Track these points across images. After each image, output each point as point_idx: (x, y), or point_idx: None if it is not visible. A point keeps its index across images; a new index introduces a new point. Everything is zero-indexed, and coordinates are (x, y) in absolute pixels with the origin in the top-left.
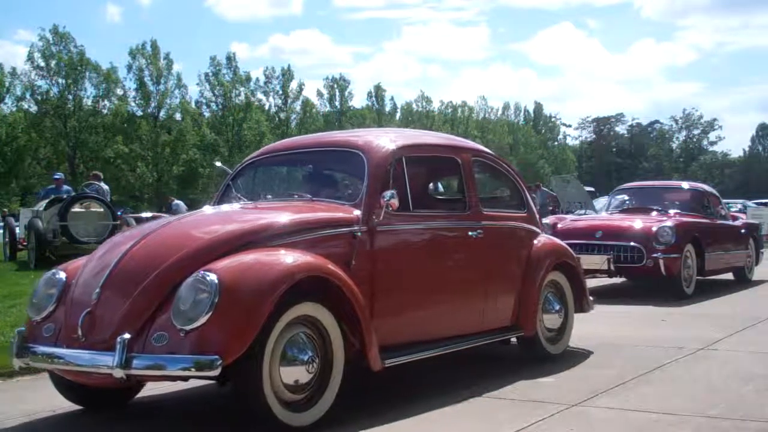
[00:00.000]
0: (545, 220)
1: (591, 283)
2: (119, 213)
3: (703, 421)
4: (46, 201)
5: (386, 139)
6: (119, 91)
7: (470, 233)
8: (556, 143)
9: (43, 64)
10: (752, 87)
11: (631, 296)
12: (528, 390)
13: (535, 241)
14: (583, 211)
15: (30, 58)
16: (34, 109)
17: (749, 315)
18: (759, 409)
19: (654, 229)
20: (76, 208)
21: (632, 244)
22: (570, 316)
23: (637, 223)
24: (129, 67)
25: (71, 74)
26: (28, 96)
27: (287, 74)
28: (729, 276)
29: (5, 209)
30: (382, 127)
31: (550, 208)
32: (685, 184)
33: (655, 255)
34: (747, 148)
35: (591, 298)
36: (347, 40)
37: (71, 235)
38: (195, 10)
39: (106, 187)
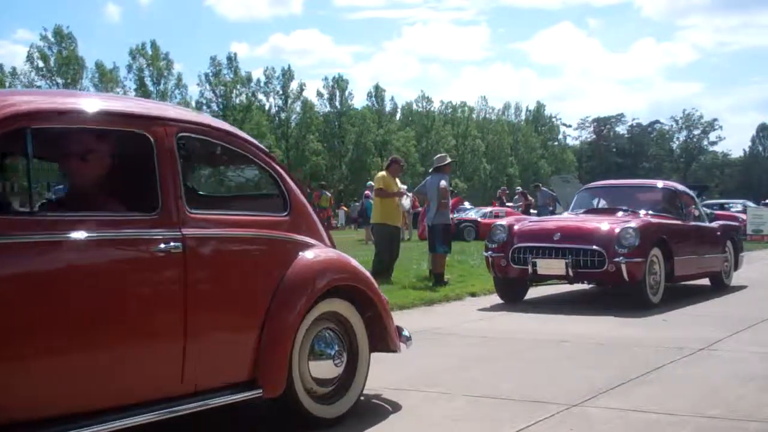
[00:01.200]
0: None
1: (564, 287)
2: None
3: (704, 421)
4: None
5: None
6: (119, 91)
7: (162, 246)
8: (556, 143)
9: (42, 64)
10: (753, 87)
11: (630, 296)
12: (528, 390)
13: (300, 257)
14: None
15: (30, 58)
16: None
17: (749, 315)
18: (759, 409)
19: (616, 230)
20: None
21: (593, 247)
22: (361, 362)
23: (599, 224)
24: (129, 67)
25: (70, 74)
26: None
27: (287, 74)
28: (706, 281)
29: None
30: (381, 128)
31: (550, 208)
32: (658, 183)
33: (616, 259)
34: (747, 148)
35: (405, 331)
36: (347, 40)
37: None
38: (195, 10)
39: None
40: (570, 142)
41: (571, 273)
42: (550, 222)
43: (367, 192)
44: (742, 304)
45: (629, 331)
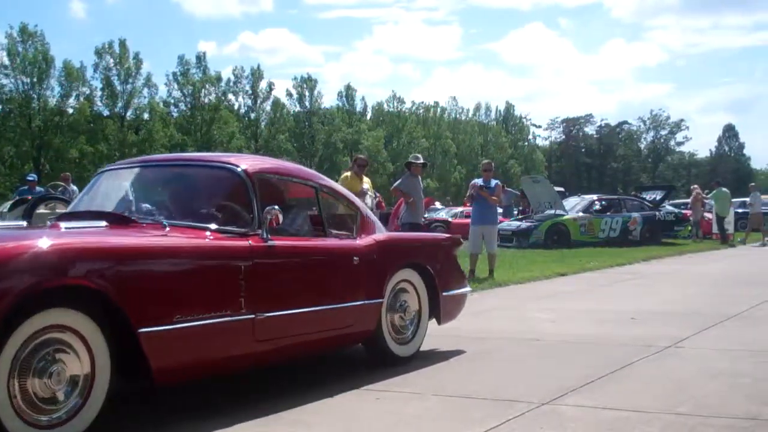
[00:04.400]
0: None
1: None
2: None
3: (672, 418)
4: (11, 202)
5: None
6: (85, 90)
7: None
8: (526, 144)
9: (8, 62)
10: (720, 88)
11: (598, 295)
12: (499, 389)
13: None
14: (552, 211)
15: None
16: None
17: (716, 312)
18: (726, 405)
19: None
20: (41, 210)
21: None
22: None
23: None
24: (95, 66)
25: (36, 73)
26: None
27: (257, 74)
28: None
29: None
30: (352, 127)
31: (521, 208)
32: (220, 159)
33: None
34: (714, 149)
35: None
36: (318, 39)
37: None
38: (161, 7)
39: (75, 188)
40: (540, 142)
41: None
42: None
43: None
44: (709, 301)
45: (598, 330)
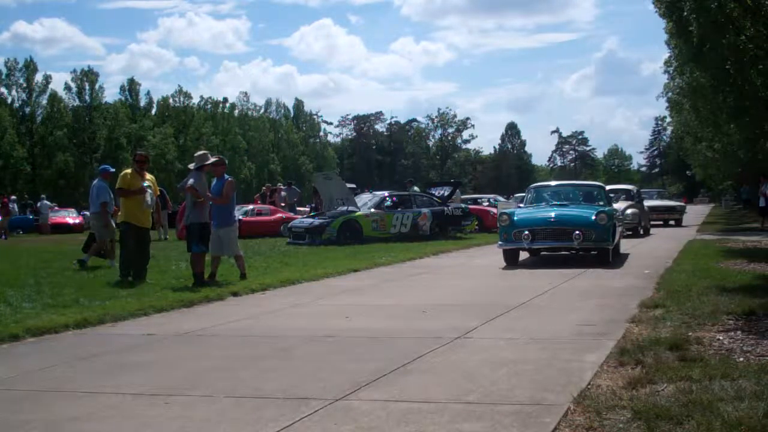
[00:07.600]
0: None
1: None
2: None
3: (461, 407)
4: None
5: None
6: None
7: None
8: (317, 140)
9: None
10: (503, 87)
11: (390, 290)
12: (293, 387)
13: None
14: (345, 208)
15: None
16: None
17: (501, 302)
18: (511, 392)
19: None
20: None
21: None
22: None
23: None
24: None
25: None
26: None
27: (31, 66)
28: None
29: None
30: (135, 123)
31: (313, 205)
32: None
33: None
34: (497, 146)
35: None
36: (98, 31)
37: None
38: None
39: None
40: (331, 139)
41: None
42: None
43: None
44: (494, 294)
45: (390, 324)
